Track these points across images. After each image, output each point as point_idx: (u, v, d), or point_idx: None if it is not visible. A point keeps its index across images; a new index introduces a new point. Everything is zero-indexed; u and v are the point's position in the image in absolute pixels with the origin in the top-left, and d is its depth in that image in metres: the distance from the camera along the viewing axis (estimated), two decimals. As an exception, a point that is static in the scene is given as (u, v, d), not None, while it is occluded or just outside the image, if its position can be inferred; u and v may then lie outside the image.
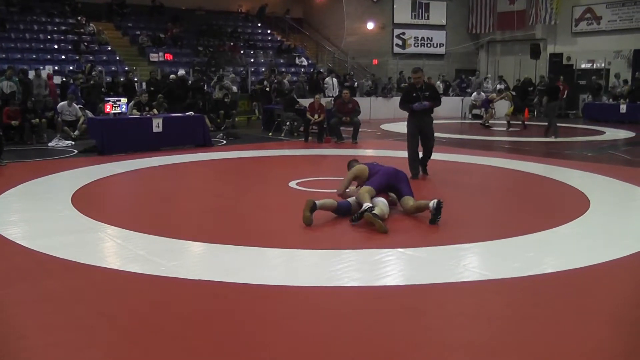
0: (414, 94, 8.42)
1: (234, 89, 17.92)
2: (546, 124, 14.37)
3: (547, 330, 3.31)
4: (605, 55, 21.79)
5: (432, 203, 5.66)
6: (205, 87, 17.29)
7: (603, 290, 4.03)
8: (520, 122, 16.79)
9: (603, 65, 22.03)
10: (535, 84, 22.44)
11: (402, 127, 16.06)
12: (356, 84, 21.10)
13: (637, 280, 4.29)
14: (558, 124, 14.33)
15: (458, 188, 7.92)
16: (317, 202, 5.63)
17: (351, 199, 5.97)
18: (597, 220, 5.91)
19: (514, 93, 18.51)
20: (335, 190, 6.37)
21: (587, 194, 7.07)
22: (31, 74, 14.69)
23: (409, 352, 3.09)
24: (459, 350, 3.10)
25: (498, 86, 22.06)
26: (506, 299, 3.84)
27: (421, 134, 8.54)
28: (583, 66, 22.67)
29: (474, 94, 20.90)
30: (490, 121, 17.33)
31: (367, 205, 5.56)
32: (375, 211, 5.51)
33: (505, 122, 16.67)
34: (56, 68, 16.82)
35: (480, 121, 18.10)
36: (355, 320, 3.48)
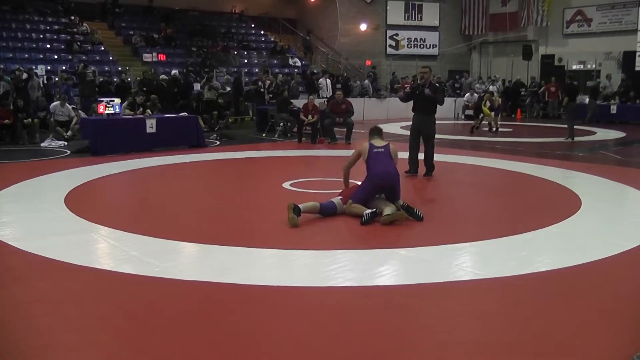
0: (417, 92, 8.59)
1: (227, 88, 17.89)
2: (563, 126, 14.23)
3: (541, 327, 3.34)
4: (595, 56, 21.95)
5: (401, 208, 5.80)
6: (199, 88, 17.25)
7: (595, 288, 4.06)
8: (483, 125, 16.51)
9: (594, 66, 22.18)
10: (526, 85, 22.58)
11: (395, 128, 16.11)
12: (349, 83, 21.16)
13: (628, 277, 4.33)
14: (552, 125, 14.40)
15: (451, 188, 7.96)
16: (299, 205, 5.67)
17: (335, 200, 6.01)
18: (588, 219, 5.96)
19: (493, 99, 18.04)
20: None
21: (579, 193, 7.12)
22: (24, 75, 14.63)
23: (403, 351, 3.10)
24: (454, 349, 3.12)
25: (491, 87, 22.12)
26: (500, 297, 3.87)
27: (421, 134, 8.61)
28: (574, 67, 22.80)
29: (467, 94, 20.97)
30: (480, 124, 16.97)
31: (371, 210, 5.66)
32: (386, 212, 5.65)
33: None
34: (49, 68, 16.74)
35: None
36: (349, 320, 3.49)
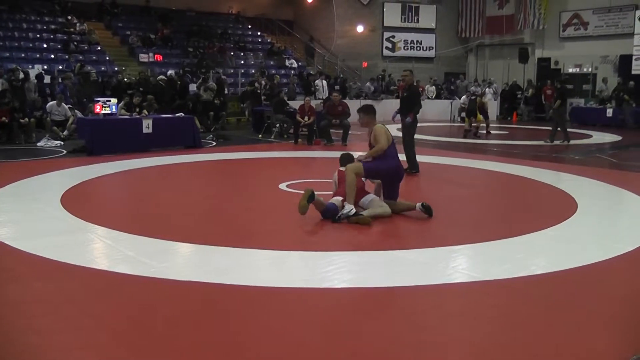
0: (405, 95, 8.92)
1: (224, 90, 17.85)
2: (551, 128, 13.95)
3: (536, 330, 3.35)
4: (592, 60, 22.01)
5: (419, 206, 5.95)
6: (195, 88, 17.21)
7: (591, 291, 4.08)
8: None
9: (590, 69, 22.25)
10: (522, 88, 22.65)
11: (392, 130, 16.11)
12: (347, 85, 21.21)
13: (624, 280, 4.35)
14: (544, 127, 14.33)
15: (447, 190, 7.97)
16: (316, 196, 5.69)
17: (336, 201, 5.97)
18: (584, 222, 5.98)
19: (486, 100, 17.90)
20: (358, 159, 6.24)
21: (575, 196, 7.14)
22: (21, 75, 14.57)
23: (399, 352, 3.11)
24: (449, 350, 3.13)
25: (487, 90, 22.16)
26: (495, 300, 3.88)
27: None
28: (570, 70, 22.87)
29: (464, 97, 20.96)
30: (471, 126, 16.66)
31: (349, 208, 5.73)
32: (366, 213, 5.74)
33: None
34: (45, 67, 16.69)
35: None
36: (345, 322, 3.50)
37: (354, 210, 5.74)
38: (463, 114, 20.10)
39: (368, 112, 6.33)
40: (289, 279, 4.20)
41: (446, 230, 5.67)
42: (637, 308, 3.78)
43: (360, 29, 24.96)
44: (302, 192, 5.73)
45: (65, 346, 3.12)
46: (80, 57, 17.94)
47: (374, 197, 6.07)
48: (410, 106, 8.80)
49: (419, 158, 9.06)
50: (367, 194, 6.11)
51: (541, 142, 13.65)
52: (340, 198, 6.01)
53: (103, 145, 10.64)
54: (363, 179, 6.17)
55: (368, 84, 21.65)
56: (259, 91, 17.68)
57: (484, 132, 16.12)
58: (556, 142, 13.47)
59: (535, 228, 5.57)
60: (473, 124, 15.65)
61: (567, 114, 20.43)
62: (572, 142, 13.57)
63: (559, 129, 13.53)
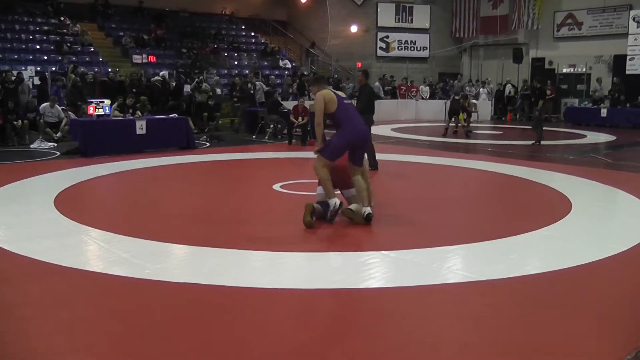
0: None
1: (218, 91, 17.79)
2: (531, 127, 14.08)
3: (531, 330, 3.35)
4: (586, 60, 22.08)
5: (365, 213, 5.68)
6: (188, 89, 17.14)
7: (585, 291, 4.08)
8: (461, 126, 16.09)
9: (584, 69, 22.32)
10: (517, 88, 22.69)
11: (384, 130, 16.16)
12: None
13: (618, 280, 4.35)
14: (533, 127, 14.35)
15: (441, 191, 7.97)
16: (315, 206, 5.64)
17: (320, 191, 5.87)
18: (579, 222, 5.98)
19: (474, 102, 18.16)
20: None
21: (569, 196, 7.15)
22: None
23: (393, 353, 3.10)
24: (444, 351, 3.13)
25: (481, 90, 22.20)
26: (490, 300, 3.88)
27: None
28: (565, 70, 22.95)
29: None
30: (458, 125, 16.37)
31: (334, 201, 5.65)
32: (351, 207, 5.72)
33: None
34: (38, 69, 16.60)
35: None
36: (339, 322, 3.49)
37: (338, 202, 5.68)
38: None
39: (312, 83, 6.11)
40: (283, 280, 4.19)
41: (440, 231, 5.67)
42: (632, 308, 3.78)
43: (354, 29, 24.98)
44: (298, 192, 5.71)
45: (58, 349, 3.09)
46: (74, 58, 17.87)
47: (354, 194, 5.97)
48: (358, 106, 8.82)
49: (414, 158, 9.08)
50: (350, 185, 5.93)
51: (529, 142, 13.66)
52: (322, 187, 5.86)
53: (96, 147, 10.60)
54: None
55: (377, 83, 21.63)
56: (251, 92, 17.63)
57: (468, 130, 16.19)
58: (532, 142, 13.39)
59: (530, 228, 5.58)
60: (459, 124, 15.64)
61: (561, 115, 20.59)
62: (568, 142, 13.59)
63: (543, 127, 13.56)
